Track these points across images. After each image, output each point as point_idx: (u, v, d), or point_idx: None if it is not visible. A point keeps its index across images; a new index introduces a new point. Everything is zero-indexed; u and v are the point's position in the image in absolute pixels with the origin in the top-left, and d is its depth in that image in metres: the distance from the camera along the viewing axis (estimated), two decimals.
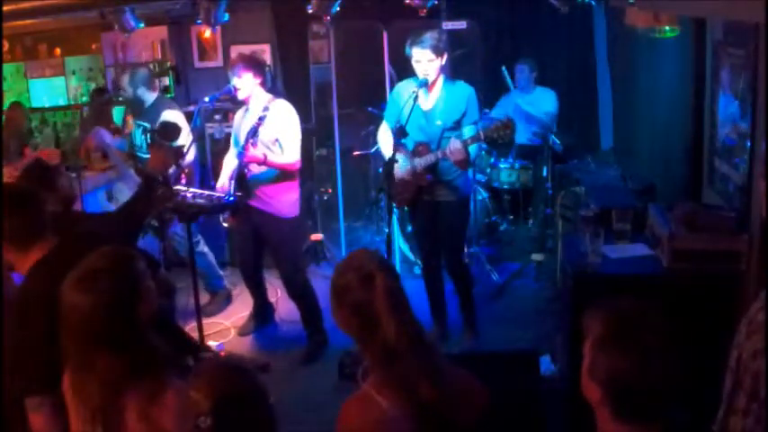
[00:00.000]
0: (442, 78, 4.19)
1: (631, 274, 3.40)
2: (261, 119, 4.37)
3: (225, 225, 4.77)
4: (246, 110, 4.52)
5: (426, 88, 4.16)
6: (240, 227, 4.63)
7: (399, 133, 4.26)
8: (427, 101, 4.23)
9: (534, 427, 3.16)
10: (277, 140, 4.34)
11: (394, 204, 4.21)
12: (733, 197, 3.69)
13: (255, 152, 4.28)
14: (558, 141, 5.68)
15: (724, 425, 1.92)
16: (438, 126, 4.19)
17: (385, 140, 4.39)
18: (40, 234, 2.41)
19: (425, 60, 4.06)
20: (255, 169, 4.39)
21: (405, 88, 4.24)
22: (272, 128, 4.33)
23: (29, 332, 2.23)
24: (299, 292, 4.70)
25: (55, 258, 2.37)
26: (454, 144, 4.04)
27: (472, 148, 4.10)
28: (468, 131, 4.15)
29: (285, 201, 4.49)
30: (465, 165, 4.18)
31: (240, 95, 4.42)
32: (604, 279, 3.37)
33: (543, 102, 6.00)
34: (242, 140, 4.41)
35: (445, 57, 4.13)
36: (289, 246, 4.66)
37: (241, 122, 4.53)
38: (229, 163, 4.63)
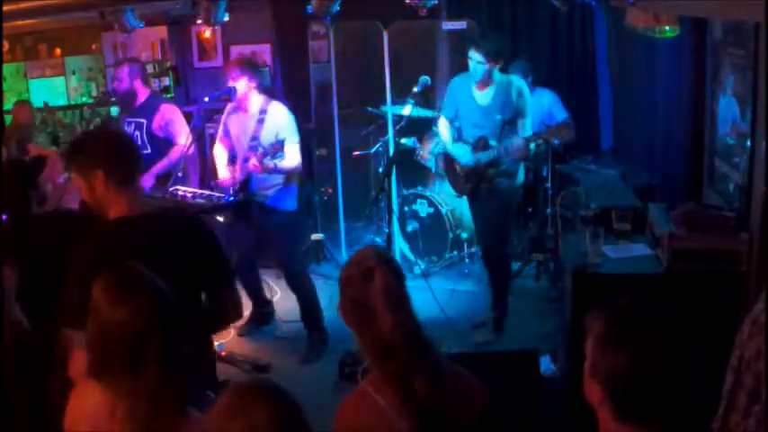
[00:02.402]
0: (496, 76, 4.41)
1: (631, 274, 3.40)
2: (260, 121, 4.42)
3: (220, 219, 4.77)
4: (238, 109, 4.56)
5: (476, 85, 4.44)
6: (238, 222, 4.63)
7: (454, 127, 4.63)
8: (483, 97, 4.45)
9: (534, 426, 3.16)
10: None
11: (397, 201, 4.31)
12: (733, 197, 3.69)
13: (265, 162, 4.27)
14: (557, 141, 5.67)
15: (724, 422, 1.92)
16: (497, 120, 4.39)
17: (445, 133, 4.69)
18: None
19: (475, 61, 4.31)
20: (260, 174, 4.39)
21: (460, 83, 4.54)
22: (271, 132, 4.36)
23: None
24: (298, 283, 4.74)
25: (134, 224, 2.43)
26: (517, 143, 4.30)
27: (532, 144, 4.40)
28: (523, 126, 4.39)
29: (284, 194, 4.56)
30: (524, 157, 4.47)
31: (238, 96, 4.47)
32: (604, 279, 3.38)
33: (543, 103, 5.98)
34: (243, 145, 4.45)
35: (500, 63, 4.38)
36: (288, 238, 4.71)
37: (236, 123, 4.58)
38: (220, 154, 4.70)
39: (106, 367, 1.84)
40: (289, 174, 4.49)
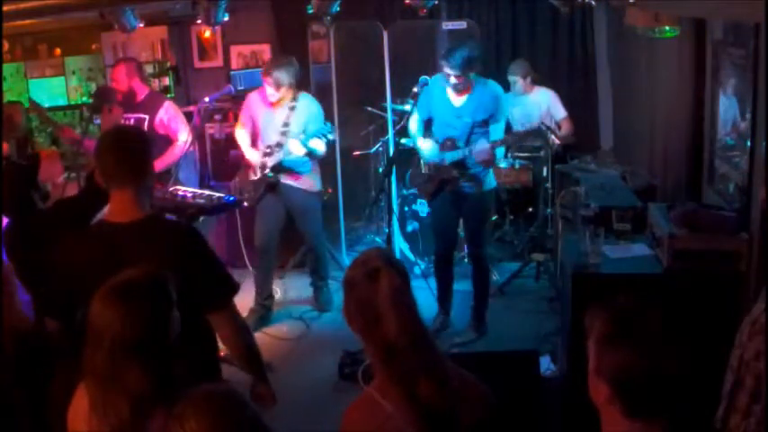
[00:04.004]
0: (472, 79, 4.37)
1: (631, 274, 3.40)
2: (292, 109, 4.76)
3: (246, 204, 4.90)
4: (269, 100, 4.79)
5: (454, 88, 4.39)
6: (268, 203, 4.90)
7: (427, 126, 4.61)
8: (458, 98, 4.43)
9: (534, 427, 3.16)
10: (305, 131, 4.70)
11: (397, 201, 4.33)
12: (733, 197, 3.69)
13: (296, 147, 4.66)
14: (557, 142, 5.67)
15: (724, 423, 1.93)
16: (467, 123, 4.37)
17: (414, 128, 4.66)
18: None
19: (453, 76, 4.27)
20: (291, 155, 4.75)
21: (435, 81, 4.48)
22: (302, 119, 4.73)
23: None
24: (322, 250, 5.29)
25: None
26: (482, 145, 4.29)
27: (499, 150, 4.39)
28: (495, 131, 4.36)
29: (312, 176, 4.97)
30: (489, 165, 4.44)
31: (272, 100, 4.75)
32: (604, 279, 3.38)
33: (542, 103, 5.98)
34: (273, 131, 4.77)
35: (474, 70, 4.32)
36: (315, 215, 5.15)
37: (264, 111, 4.83)
38: (244, 138, 4.94)
39: (92, 366, 1.85)
40: (316, 157, 4.87)
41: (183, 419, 1.56)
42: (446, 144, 4.45)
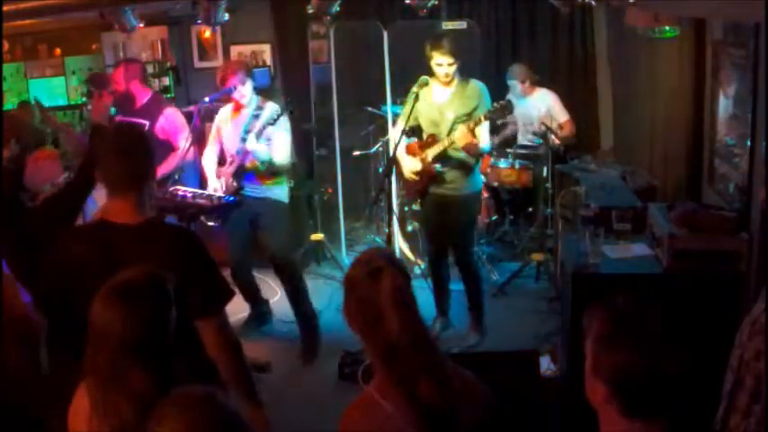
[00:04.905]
0: (457, 77, 4.36)
1: (631, 274, 3.41)
2: (255, 116, 4.57)
3: (210, 224, 4.77)
4: (235, 109, 4.68)
5: (440, 84, 4.38)
6: (234, 221, 4.65)
7: (411, 132, 4.53)
8: (441, 95, 4.41)
9: (534, 427, 3.16)
10: (268, 139, 4.51)
11: (397, 201, 4.27)
12: (733, 197, 3.69)
13: (253, 143, 4.45)
14: (557, 142, 5.67)
15: (724, 423, 1.93)
16: (449, 118, 4.34)
17: (396, 135, 4.52)
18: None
19: (446, 64, 4.25)
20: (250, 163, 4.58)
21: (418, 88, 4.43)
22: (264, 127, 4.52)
23: None
24: (289, 274, 4.81)
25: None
26: (460, 129, 4.22)
27: (481, 133, 4.30)
28: (478, 129, 4.29)
29: (276, 187, 4.71)
30: (474, 150, 4.32)
31: (244, 102, 4.60)
32: (604, 279, 3.38)
33: (541, 104, 5.98)
34: (236, 140, 4.59)
35: (459, 60, 4.32)
36: (282, 228, 4.83)
37: (230, 122, 4.70)
38: (210, 161, 4.79)
39: (93, 366, 1.85)
40: (277, 167, 4.60)
41: (162, 420, 1.55)
42: (428, 141, 4.44)
